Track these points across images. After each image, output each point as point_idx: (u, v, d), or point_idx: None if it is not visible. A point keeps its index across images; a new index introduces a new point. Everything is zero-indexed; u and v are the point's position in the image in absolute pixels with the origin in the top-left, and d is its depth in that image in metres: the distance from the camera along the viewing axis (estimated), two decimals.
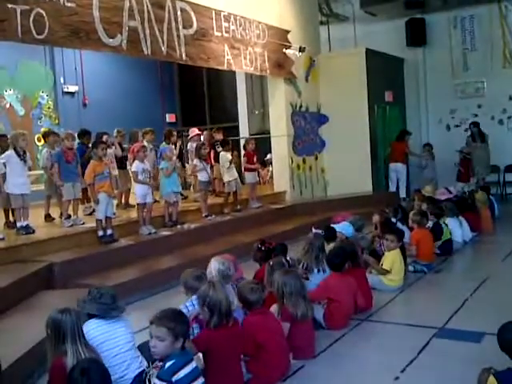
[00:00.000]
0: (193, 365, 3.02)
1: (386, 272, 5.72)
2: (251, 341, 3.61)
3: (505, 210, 10.28)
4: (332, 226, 6.42)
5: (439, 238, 7.18)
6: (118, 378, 3.27)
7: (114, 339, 3.36)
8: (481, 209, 8.92)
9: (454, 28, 13.32)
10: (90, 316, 3.43)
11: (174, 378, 2.89)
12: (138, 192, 7.60)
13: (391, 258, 5.78)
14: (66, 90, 12.71)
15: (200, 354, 3.37)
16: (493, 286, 5.74)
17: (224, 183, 9.63)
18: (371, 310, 5.03)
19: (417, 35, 13.37)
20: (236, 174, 9.50)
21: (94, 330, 3.33)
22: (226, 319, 3.44)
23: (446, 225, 7.45)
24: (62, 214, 7.91)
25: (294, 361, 3.90)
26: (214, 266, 4.40)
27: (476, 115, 13.18)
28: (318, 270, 5.06)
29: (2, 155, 6.94)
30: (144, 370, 3.34)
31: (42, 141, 10.53)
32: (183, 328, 3.03)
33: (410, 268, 6.32)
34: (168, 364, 2.92)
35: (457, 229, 7.75)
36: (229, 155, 9.52)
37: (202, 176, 8.82)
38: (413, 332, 4.52)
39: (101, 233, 6.93)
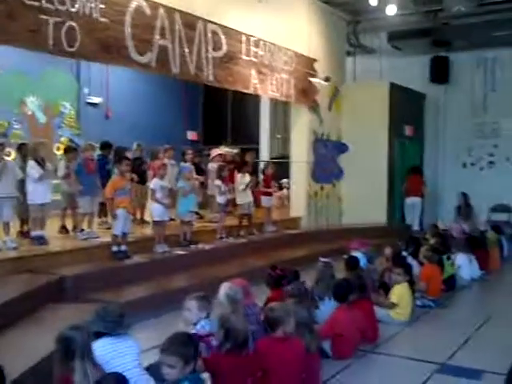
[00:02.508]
0: None
1: (392, 306, 5.80)
2: (260, 365, 3.63)
3: None
4: (352, 255, 6.53)
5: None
6: None
7: (120, 357, 3.39)
8: (491, 248, 9.05)
9: (477, 68, 13.40)
10: (98, 335, 3.45)
11: None
12: (155, 210, 7.64)
13: (399, 292, 5.88)
14: (89, 100, 12.76)
15: (206, 376, 3.38)
16: (496, 324, 5.88)
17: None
18: (377, 342, 5.13)
19: (440, 72, 13.46)
20: (250, 197, 9.48)
21: (101, 348, 3.35)
22: (239, 348, 3.48)
23: (450, 261, 7.55)
24: (75, 227, 7.88)
25: None
26: (222, 291, 4.43)
27: (492, 154, 13.30)
28: (330, 298, 5.12)
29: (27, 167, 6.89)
30: None
31: (62, 150, 10.55)
32: (193, 352, 3.08)
33: (418, 303, 6.40)
34: None
35: (466, 265, 7.93)
36: (247, 178, 9.55)
37: (221, 198, 8.86)
38: (415, 366, 4.65)
39: (115, 248, 6.95)
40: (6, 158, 7.18)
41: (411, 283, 6.16)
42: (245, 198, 9.35)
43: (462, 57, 13.46)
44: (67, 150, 8.25)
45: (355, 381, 4.29)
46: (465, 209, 12.20)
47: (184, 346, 3.06)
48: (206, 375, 3.25)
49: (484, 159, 13.43)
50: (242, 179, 9.45)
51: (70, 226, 8.08)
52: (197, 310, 4.01)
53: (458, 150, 13.68)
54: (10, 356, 4.02)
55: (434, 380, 4.27)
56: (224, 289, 4.47)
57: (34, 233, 6.99)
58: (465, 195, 12.37)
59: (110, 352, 3.37)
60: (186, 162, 9.25)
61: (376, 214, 11.77)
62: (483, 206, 12.53)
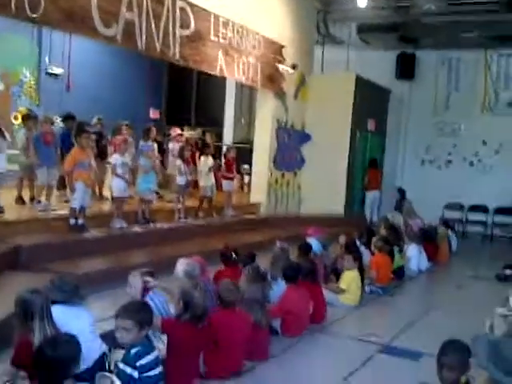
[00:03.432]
0: (155, 354, 3.24)
1: (342, 291, 6.09)
2: (213, 335, 3.81)
3: (463, 246, 11.01)
4: (305, 241, 6.77)
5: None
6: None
7: (75, 321, 3.44)
8: (440, 242, 9.56)
9: (442, 67, 13.75)
10: (54, 303, 3.48)
11: (138, 363, 3.10)
12: (116, 185, 7.60)
13: (348, 278, 6.18)
14: (50, 70, 12.32)
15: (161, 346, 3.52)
16: (439, 313, 6.26)
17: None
18: (324, 324, 5.40)
19: (406, 69, 13.75)
20: (213, 180, 9.54)
21: (57, 312, 3.39)
22: (196, 320, 3.64)
23: (402, 253, 7.98)
24: (33, 198, 7.80)
25: (248, 361, 4.11)
26: (180, 267, 4.54)
27: (450, 153, 13.75)
28: (282, 280, 5.28)
29: None
30: (104, 353, 3.51)
31: (19, 120, 10.23)
32: (148, 317, 3.25)
33: (367, 289, 6.69)
34: (133, 351, 3.13)
35: (415, 256, 8.38)
36: (209, 161, 9.55)
37: (181, 179, 8.83)
38: (360, 346, 4.92)
39: (72, 221, 6.89)
40: None
41: (361, 270, 6.45)
42: (208, 181, 9.38)
43: (428, 55, 13.76)
44: (26, 118, 8.09)
45: (302, 358, 4.51)
46: (400, 203, 12.67)
47: (139, 311, 3.22)
48: (163, 340, 3.49)
49: (442, 158, 13.86)
50: (206, 161, 9.46)
51: (27, 198, 7.96)
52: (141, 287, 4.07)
53: (417, 147, 14.05)
54: None
55: (376, 359, 4.59)
56: (181, 264, 4.59)
57: None
58: (401, 191, 12.90)
59: (65, 317, 3.41)
60: (149, 139, 9.17)
61: (334, 204, 11.99)
62: (438, 203, 12.91)
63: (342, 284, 6.15)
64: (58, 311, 3.40)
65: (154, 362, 3.20)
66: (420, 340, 5.04)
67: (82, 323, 3.48)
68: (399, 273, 7.71)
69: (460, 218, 13.26)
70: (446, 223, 10.93)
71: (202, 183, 9.44)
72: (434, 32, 12.60)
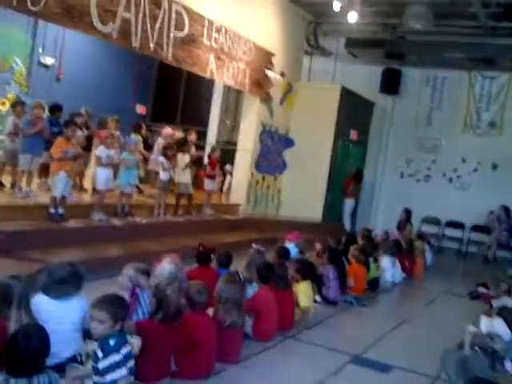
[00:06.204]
0: (128, 347, 3.27)
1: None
2: (186, 337, 3.84)
3: (438, 261, 11.09)
4: (284, 245, 6.85)
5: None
6: (54, 353, 3.38)
7: (56, 317, 3.42)
8: (416, 255, 9.55)
9: (426, 85, 14.04)
10: (44, 291, 3.53)
11: (122, 351, 3.17)
12: (100, 177, 7.66)
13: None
14: (42, 60, 12.49)
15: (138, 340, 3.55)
16: (410, 327, 6.29)
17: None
18: (297, 330, 5.37)
19: (391, 84, 14.00)
20: (189, 178, 9.48)
21: (39, 303, 3.44)
22: (170, 319, 3.70)
23: (376, 264, 7.95)
24: (14, 184, 7.83)
25: (218, 363, 4.12)
26: (164, 264, 4.61)
27: (429, 168, 14.02)
28: (257, 283, 5.30)
29: None
30: (78, 353, 3.52)
31: (6, 106, 10.28)
32: (122, 312, 3.28)
33: (341, 298, 6.72)
34: (112, 342, 3.16)
35: (389, 268, 8.33)
36: (186, 158, 9.51)
37: (164, 175, 8.90)
38: (332, 355, 4.92)
39: (52, 210, 6.94)
40: None
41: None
42: (182, 178, 9.37)
43: (412, 72, 14.03)
44: (15, 104, 8.14)
45: (273, 363, 4.54)
46: (404, 224, 12.20)
47: (114, 304, 3.25)
48: (137, 339, 3.45)
49: (421, 172, 14.09)
50: (182, 158, 9.45)
51: (6, 183, 7.99)
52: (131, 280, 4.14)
53: (398, 160, 14.29)
54: None
55: (347, 369, 4.61)
56: (166, 262, 4.65)
57: None
58: (407, 212, 12.47)
59: (48, 310, 3.42)
60: (137, 134, 9.23)
61: (312, 210, 12.20)
62: (415, 217, 12.92)
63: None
64: (41, 303, 3.43)
65: (127, 356, 3.24)
66: (391, 353, 5.11)
67: (64, 316, 3.46)
68: (374, 284, 7.69)
69: (436, 232, 13.42)
70: (423, 237, 10.89)
71: (176, 179, 9.38)
72: (419, 50, 12.94)
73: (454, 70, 13.55)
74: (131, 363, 3.27)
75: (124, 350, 3.20)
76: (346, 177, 13.02)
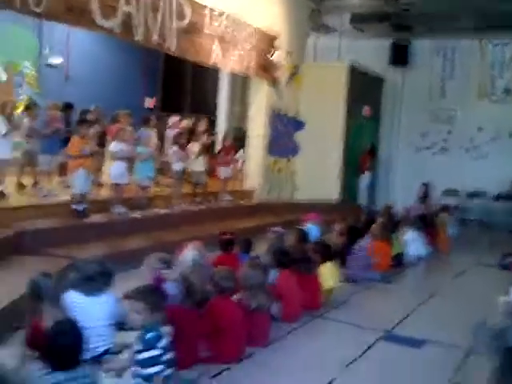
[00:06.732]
0: (166, 338, 3.28)
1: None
2: (214, 323, 3.90)
3: (462, 233, 10.82)
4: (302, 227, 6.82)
5: None
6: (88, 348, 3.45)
7: (90, 313, 3.49)
8: (440, 229, 9.41)
9: (437, 55, 13.85)
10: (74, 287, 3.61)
11: (160, 345, 3.18)
12: (114, 171, 7.74)
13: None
14: (50, 60, 12.62)
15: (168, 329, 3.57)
16: (439, 301, 6.25)
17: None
18: (325, 309, 5.38)
19: (400, 56, 13.84)
20: (202, 166, 9.53)
21: (71, 300, 3.52)
22: (198, 306, 3.77)
23: (399, 240, 7.90)
24: (35, 184, 8.00)
25: (248, 347, 4.18)
26: (188, 255, 4.66)
27: (445, 140, 13.84)
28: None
29: None
30: (111, 346, 3.60)
31: (21, 109, 10.41)
32: (160, 302, 3.30)
33: (365, 276, 6.67)
34: (149, 334, 3.18)
35: (413, 242, 8.24)
36: (196, 146, 9.55)
37: (177, 165, 8.96)
38: (360, 333, 4.90)
39: (74, 206, 7.05)
40: None
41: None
42: (196, 167, 9.43)
43: (422, 43, 13.82)
44: (29, 107, 8.28)
45: (302, 344, 4.51)
46: (424, 200, 12.14)
47: (151, 295, 3.27)
48: (167, 328, 3.45)
49: (438, 144, 13.93)
50: (192, 148, 9.49)
51: (27, 183, 8.12)
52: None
53: (412, 134, 14.11)
54: None
55: (378, 346, 4.56)
56: (189, 249, 4.71)
57: None
58: (426, 186, 12.36)
59: (80, 306, 3.50)
60: (148, 127, 9.30)
61: (329, 190, 12.18)
62: (435, 190, 12.83)
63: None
64: (73, 299, 3.51)
65: (169, 346, 3.27)
66: (422, 327, 5.06)
67: (95, 311, 3.54)
68: (398, 259, 7.62)
69: (458, 204, 13.13)
70: (446, 209, 10.74)
71: (190, 169, 9.45)
72: (426, 21, 12.66)
73: (465, 38, 13.31)
74: (171, 354, 3.27)
75: (162, 343, 3.20)
76: (360, 154, 12.96)
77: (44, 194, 7.55)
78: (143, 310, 3.18)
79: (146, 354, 3.14)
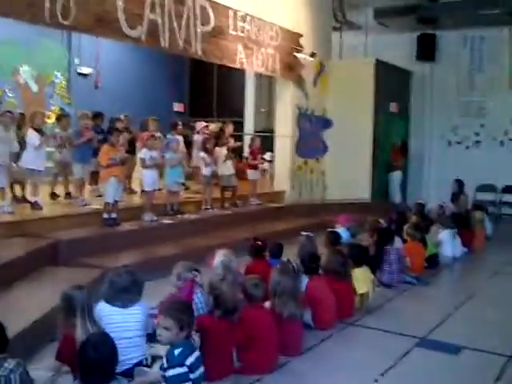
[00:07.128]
0: (197, 353, 3.26)
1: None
2: (246, 332, 3.85)
3: (498, 230, 10.44)
4: (333, 229, 6.69)
5: None
6: (122, 360, 3.43)
7: (121, 325, 3.52)
8: (476, 227, 9.07)
9: (464, 47, 13.55)
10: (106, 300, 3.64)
11: (188, 362, 3.14)
12: (147, 179, 7.84)
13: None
14: (79, 71, 12.94)
15: (196, 339, 3.59)
16: (477, 303, 5.97)
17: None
18: (359, 315, 5.26)
19: (427, 50, 13.59)
20: (231, 170, 9.52)
21: (104, 312, 3.55)
22: (229, 315, 3.71)
23: (433, 240, 7.67)
24: (68, 194, 8.19)
25: (281, 356, 4.10)
26: (218, 258, 4.66)
27: (478, 134, 13.50)
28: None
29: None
30: (144, 358, 3.60)
31: (53, 119, 10.69)
32: (189, 319, 3.26)
33: (399, 280, 6.48)
34: (176, 351, 3.15)
35: (449, 242, 7.99)
36: (223, 151, 9.54)
37: (206, 170, 9.02)
38: (396, 339, 4.75)
39: (106, 215, 7.16)
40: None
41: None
42: (224, 171, 9.43)
43: (448, 35, 13.54)
44: (60, 117, 8.50)
45: (336, 352, 4.43)
46: (457, 196, 11.51)
47: (181, 311, 3.23)
48: (196, 344, 3.46)
49: (470, 138, 13.57)
50: (220, 151, 9.49)
51: (59, 193, 8.32)
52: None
53: (443, 128, 13.83)
54: (10, 313, 4.08)
55: (413, 353, 4.41)
56: (219, 256, 4.70)
57: (34, 198, 7.24)
58: (459, 182, 11.78)
59: (112, 318, 3.53)
60: (175, 133, 9.38)
61: (360, 189, 12.04)
62: (469, 186, 12.31)
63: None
64: (104, 311, 3.54)
65: (198, 362, 3.23)
66: (460, 332, 4.88)
67: (128, 322, 3.55)
68: (433, 261, 7.37)
69: (493, 200, 12.88)
70: (480, 206, 10.31)
71: (219, 173, 9.45)
72: (452, 11, 12.37)
73: (492, 27, 12.93)
74: (199, 371, 3.24)
75: (190, 360, 3.16)
76: (391, 151, 12.78)
77: (82, 204, 7.70)
78: (172, 326, 3.16)
79: (173, 372, 3.11)
